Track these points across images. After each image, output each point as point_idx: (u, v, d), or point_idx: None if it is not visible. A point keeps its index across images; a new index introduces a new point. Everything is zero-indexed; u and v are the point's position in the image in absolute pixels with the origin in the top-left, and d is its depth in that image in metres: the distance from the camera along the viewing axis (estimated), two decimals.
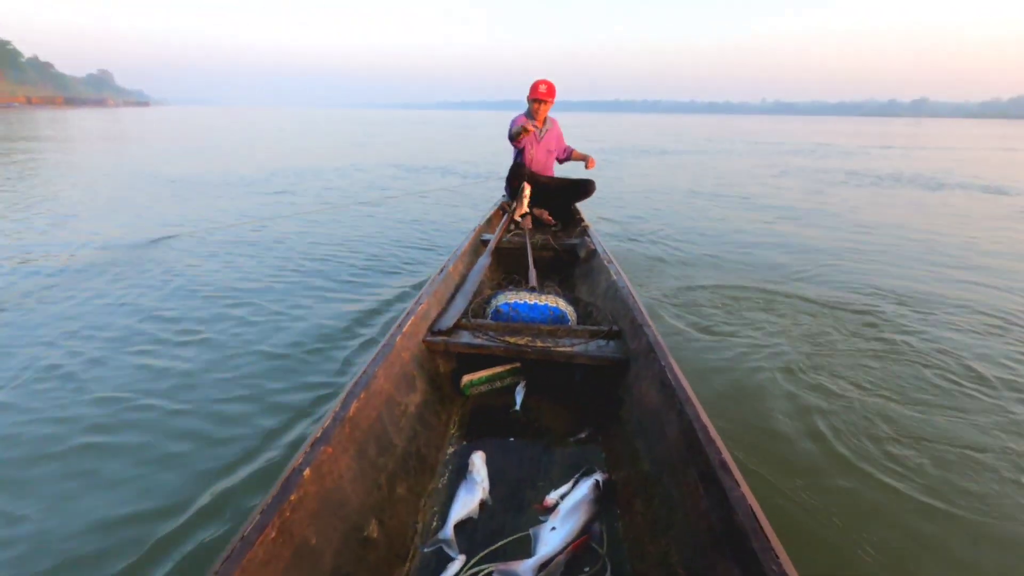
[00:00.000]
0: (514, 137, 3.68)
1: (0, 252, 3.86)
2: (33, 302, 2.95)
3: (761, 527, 0.89)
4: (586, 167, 3.82)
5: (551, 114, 3.85)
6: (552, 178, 3.91)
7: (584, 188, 3.82)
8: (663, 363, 1.50)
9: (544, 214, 3.78)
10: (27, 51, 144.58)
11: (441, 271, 2.37)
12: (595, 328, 1.96)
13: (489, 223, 3.64)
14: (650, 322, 1.78)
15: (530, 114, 3.74)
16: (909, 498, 1.59)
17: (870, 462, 1.75)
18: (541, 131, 3.76)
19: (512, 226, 3.57)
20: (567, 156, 3.97)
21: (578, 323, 2.18)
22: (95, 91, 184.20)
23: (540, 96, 3.57)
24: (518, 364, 1.88)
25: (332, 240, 4.56)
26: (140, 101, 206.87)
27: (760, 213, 6.22)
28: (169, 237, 4.39)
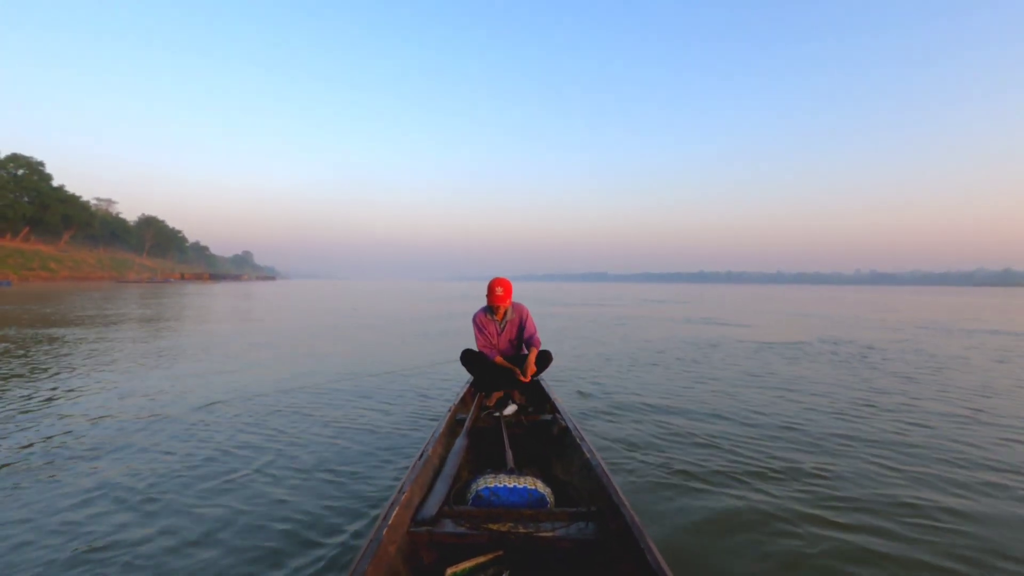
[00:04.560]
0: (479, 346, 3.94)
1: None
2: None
3: None
4: (524, 374, 3.73)
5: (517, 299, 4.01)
6: (511, 356, 3.97)
7: (544, 359, 3.90)
8: (643, 546, 1.52)
9: (515, 394, 3.85)
10: (192, 237, 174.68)
11: (421, 456, 2.43)
12: (573, 510, 1.99)
13: (463, 402, 3.77)
14: (626, 501, 1.86)
15: (490, 310, 3.91)
16: None
17: None
18: (502, 323, 3.92)
19: (483, 406, 3.68)
20: (530, 345, 3.94)
21: (556, 504, 2.25)
22: (237, 268, 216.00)
23: (496, 302, 3.81)
24: (501, 552, 1.86)
25: (330, 415, 4.48)
26: (269, 276, 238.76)
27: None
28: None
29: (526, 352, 3.97)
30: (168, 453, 3.54)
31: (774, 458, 3.53)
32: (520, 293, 47.41)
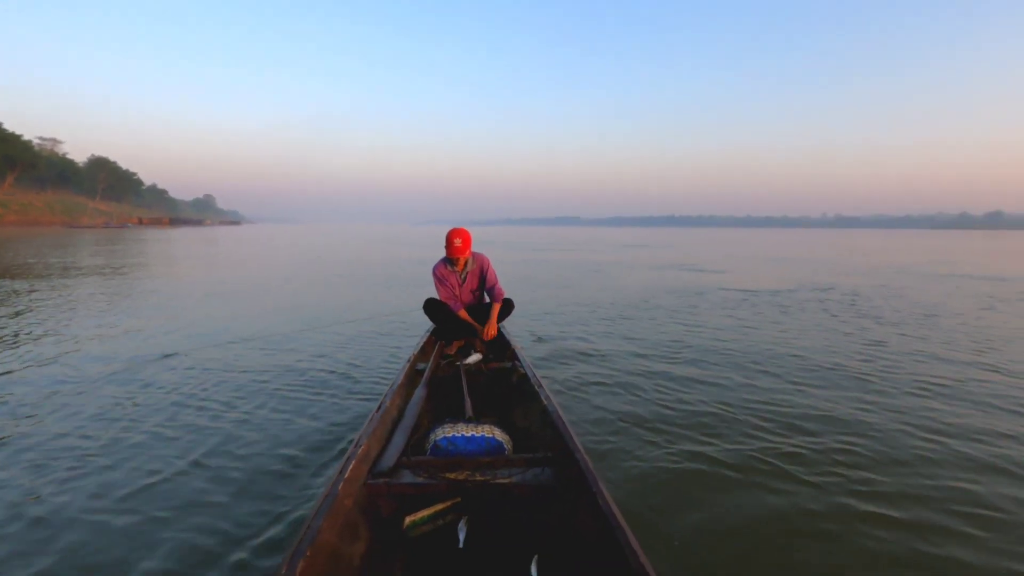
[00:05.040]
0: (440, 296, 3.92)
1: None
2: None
3: None
4: (485, 333, 3.82)
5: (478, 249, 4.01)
6: (474, 306, 4.00)
7: (506, 308, 3.99)
8: (595, 490, 1.58)
9: (476, 342, 3.88)
10: (148, 180, 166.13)
11: (379, 407, 2.41)
12: (530, 456, 2.03)
13: (423, 351, 3.75)
14: (580, 447, 1.89)
15: (450, 262, 3.84)
16: None
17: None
18: (463, 274, 3.90)
19: (444, 355, 3.69)
20: (492, 296, 3.96)
21: (515, 450, 2.29)
22: (199, 212, 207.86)
23: (455, 254, 3.73)
24: (459, 499, 1.90)
25: (285, 365, 4.55)
26: (233, 220, 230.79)
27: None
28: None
29: (488, 301, 4.02)
30: (114, 406, 3.48)
31: (748, 410, 3.54)
32: (492, 238, 47.06)
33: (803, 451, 2.90)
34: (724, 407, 3.56)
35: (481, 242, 36.13)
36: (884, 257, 21.66)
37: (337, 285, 10.76)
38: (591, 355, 4.90)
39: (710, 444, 2.98)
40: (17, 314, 6.66)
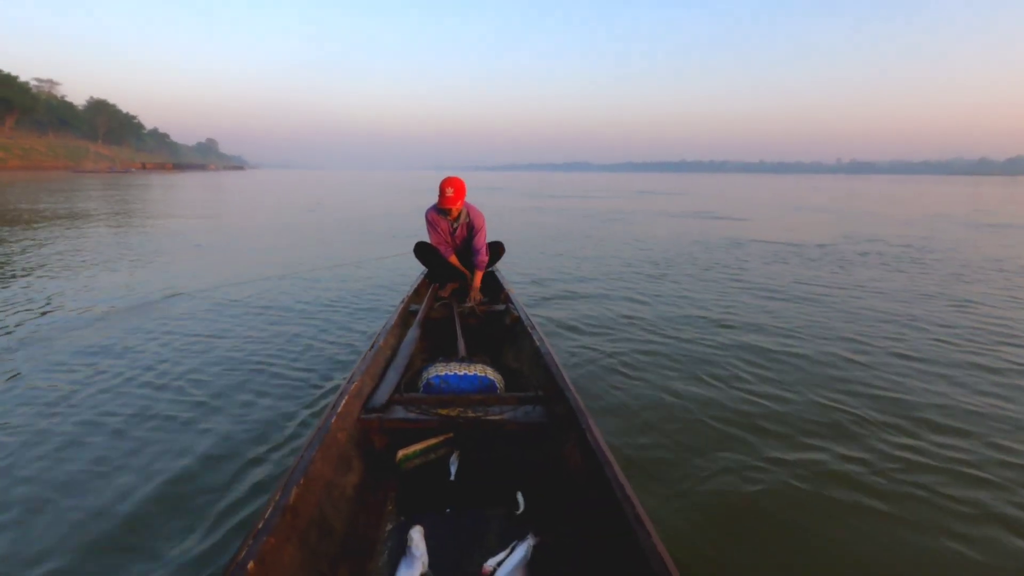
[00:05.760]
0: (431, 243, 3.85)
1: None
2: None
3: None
4: (473, 281, 3.77)
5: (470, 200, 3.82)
6: (463, 253, 3.90)
7: (496, 251, 4.00)
8: (584, 426, 1.60)
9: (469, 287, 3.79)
10: (149, 123, 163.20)
11: (372, 346, 2.42)
12: (522, 394, 2.07)
13: (417, 293, 3.74)
14: (571, 386, 1.88)
15: (442, 211, 3.68)
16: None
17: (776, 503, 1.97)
18: (454, 225, 3.79)
19: (438, 297, 3.69)
20: (478, 251, 3.79)
21: (506, 390, 2.30)
22: (201, 157, 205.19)
23: (446, 204, 3.56)
24: (451, 435, 1.93)
25: (277, 308, 4.58)
26: (237, 165, 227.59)
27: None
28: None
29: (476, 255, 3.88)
30: (114, 349, 3.47)
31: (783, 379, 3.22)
32: (504, 184, 45.84)
33: (799, 403, 2.82)
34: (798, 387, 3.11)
35: (493, 188, 35.19)
36: (918, 206, 20.30)
37: (327, 233, 10.52)
38: (638, 320, 4.33)
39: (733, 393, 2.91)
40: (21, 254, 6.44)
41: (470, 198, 3.82)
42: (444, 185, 3.54)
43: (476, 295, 3.64)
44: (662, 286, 5.72)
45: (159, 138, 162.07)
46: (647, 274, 6.40)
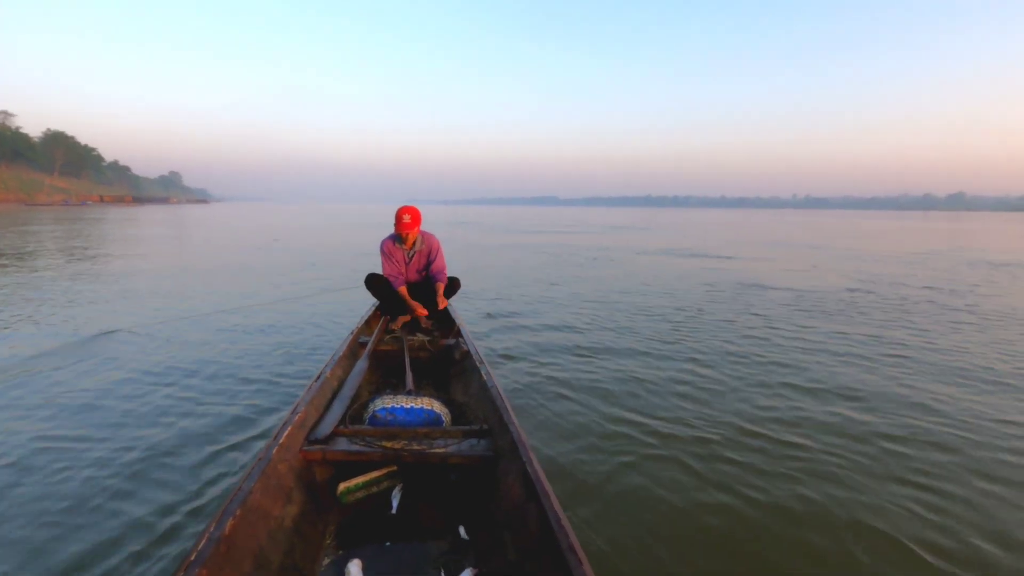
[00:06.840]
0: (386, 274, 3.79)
1: None
2: None
3: None
4: (430, 310, 3.74)
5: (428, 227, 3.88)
6: (419, 284, 3.90)
7: (452, 286, 3.95)
8: (524, 459, 1.61)
9: (422, 319, 3.76)
10: (110, 156, 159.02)
11: (318, 378, 2.40)
12: (467, 428, 2.06)
13: (367, 324, 3.70)
14: (515, 420, 1.90)
15: (398, 238, 3.70)
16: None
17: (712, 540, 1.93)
18: (410, 253, 3.80)
19: (388, 329, 3.63)
20: (436, 277, 3.83)
21: (452, 423, 2.27)
22: (164, 190, 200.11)
23: (403, 231, 3.60)
24: (395, 468, 1.90)
25: (215, 343, 4.42)
26: (201, 199, 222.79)
27: None
28: None
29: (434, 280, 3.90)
30: (53, 387, 3.32)
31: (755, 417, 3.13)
32: (472, 217, 45.34)
33: (712, 435, 2.84)
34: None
35: (459, 223, 34.41)
36: (893, 242, 19.69)
37: (282, 266, 10.12)
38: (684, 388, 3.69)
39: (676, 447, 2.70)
40: None
41: (435, 231, 3.85)
42: (401, 212, 3.59)
43: (443, 302, 3.71)
44: (676, 334, 5.04)
45: (120, 171, 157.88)
46: (654, 330, 5.27)
